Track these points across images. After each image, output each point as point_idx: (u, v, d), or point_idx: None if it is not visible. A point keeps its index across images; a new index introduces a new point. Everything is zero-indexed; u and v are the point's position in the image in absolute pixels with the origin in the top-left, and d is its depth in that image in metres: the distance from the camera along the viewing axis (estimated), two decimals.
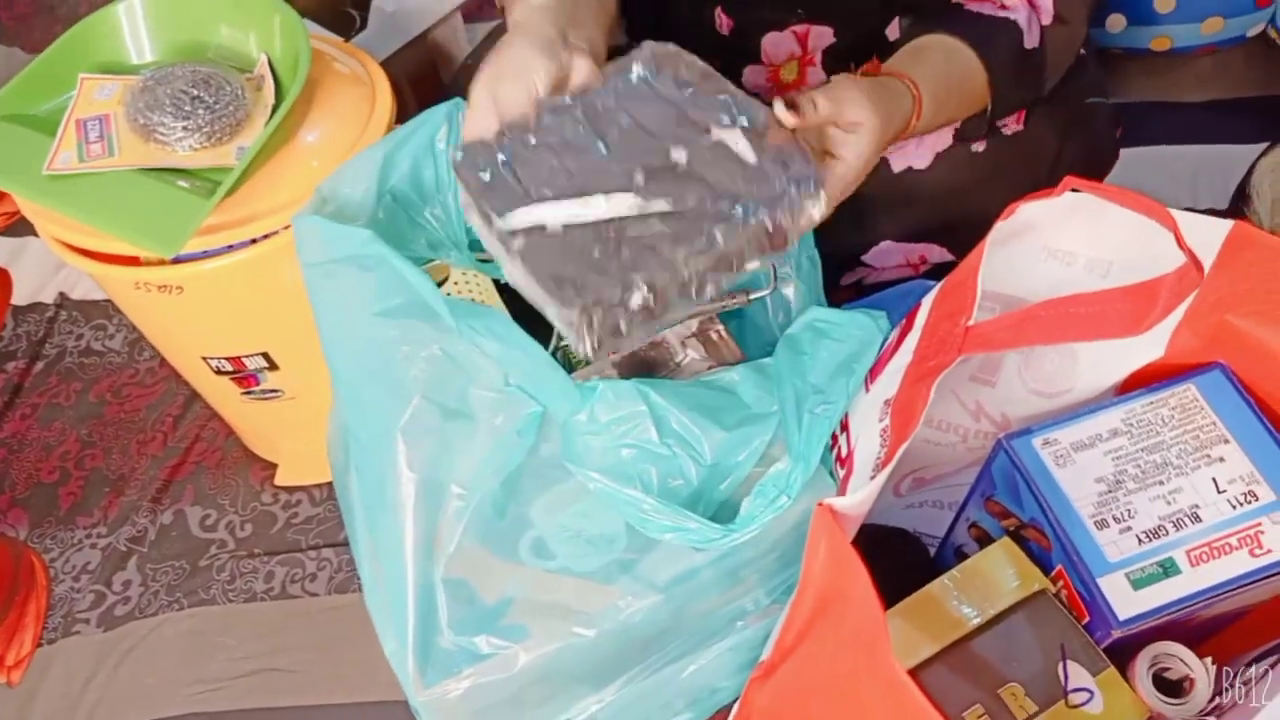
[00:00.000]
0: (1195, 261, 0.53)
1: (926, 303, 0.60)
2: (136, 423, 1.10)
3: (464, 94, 0.93)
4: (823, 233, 0.86)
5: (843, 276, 0.92)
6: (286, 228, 0.79)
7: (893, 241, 0.87)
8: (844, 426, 0.66)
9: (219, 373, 0.89)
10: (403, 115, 0.91)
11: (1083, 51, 0.88)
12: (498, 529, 0.68)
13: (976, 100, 0.69)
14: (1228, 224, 0.63)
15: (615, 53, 0.66)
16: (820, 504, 0.47)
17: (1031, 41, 0.71)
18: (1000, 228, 0.60)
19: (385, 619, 0.73)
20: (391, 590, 0.68)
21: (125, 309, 0.92)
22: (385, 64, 1.13)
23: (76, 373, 1.15)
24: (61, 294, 1.22)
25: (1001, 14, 0.69)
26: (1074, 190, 0.56)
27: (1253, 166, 0.98)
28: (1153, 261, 0.62)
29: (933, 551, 0.79)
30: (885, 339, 0.63)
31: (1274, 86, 1.21)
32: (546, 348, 0.75)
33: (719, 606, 0.72)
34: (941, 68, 0.67)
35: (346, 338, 0.68)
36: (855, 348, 0.63)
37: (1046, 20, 0.72)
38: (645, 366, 0.75)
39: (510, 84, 0.60)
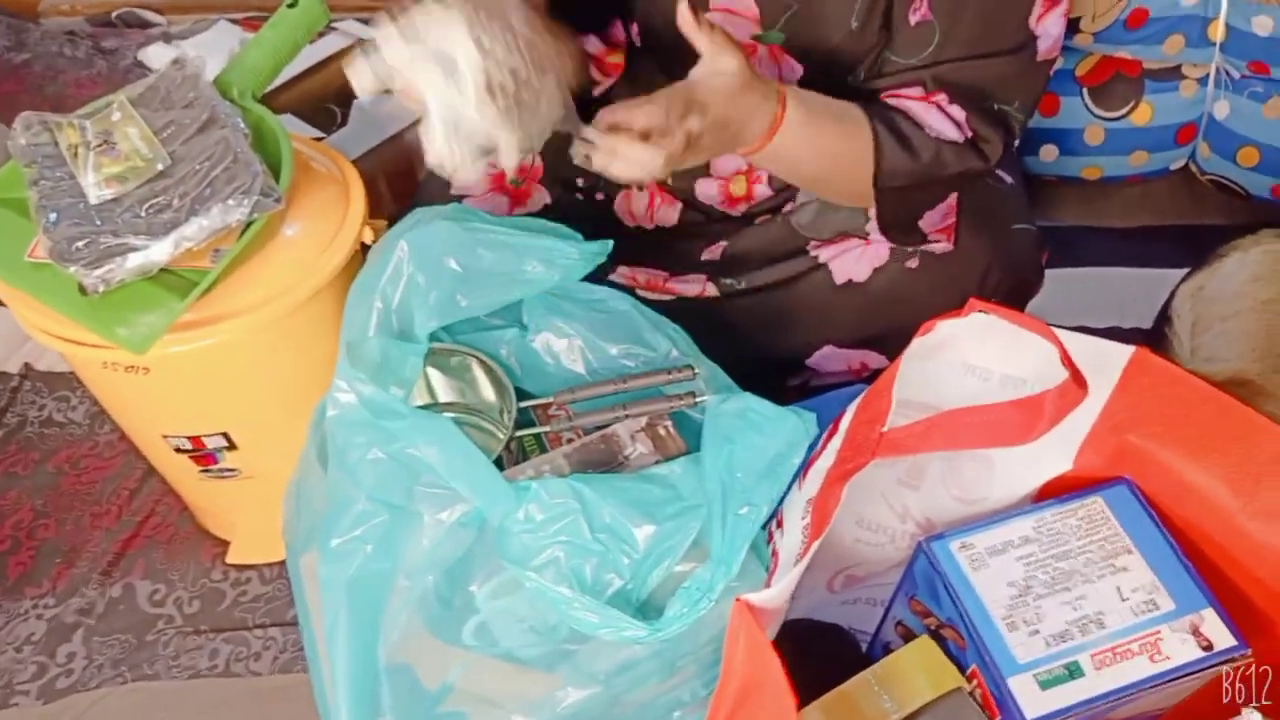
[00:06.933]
0: (1078, 377, 0.58)
1: (850, 410, 0.65)
2: (92, 495, 1.11)
3: (436, 192, 0.98)
4: (771, 338, 0.92)
5: (788, 378, 0.97)
6: None
7: (834, 347, 0.92)
8: (779, 522, 0.70)
9: (179, 451, 0.91)
10: (377, 210, 0.95)
11: (1010, 181, 0.96)
12: (442, 616, 0.70)
13: (860, 147, 0.78)
14: (1129, 350, 0.68)
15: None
16: (738, 599, 0.50)
17: (937, 131, 0.79)
18: (920, 343, 0.65)
19: (328, 703, 0.74)
20: (334, 675, 0.69)
21: (90, 385, 0.94)
22: (363, 159, 1.19)
23: (36, 443, 1.16)
24: (27, 364, 1.23)
25: (902, 105, 0.79)
26: (980, 313, 0.61)
27: (1175, 290, 1.04)
28: (1062, 379, 0.67)
29: (865, 647, 0.82)
30: (814, 442, 0.67)
31: (1195, 216, 1.30)
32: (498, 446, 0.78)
33: (656, 696, 0.73)
34: (825, 105, 0.77)
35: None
36: (783, 447, 0.66)
37: (967, 134, 0.80)
38: (595, 463, 0.78)
39: None
